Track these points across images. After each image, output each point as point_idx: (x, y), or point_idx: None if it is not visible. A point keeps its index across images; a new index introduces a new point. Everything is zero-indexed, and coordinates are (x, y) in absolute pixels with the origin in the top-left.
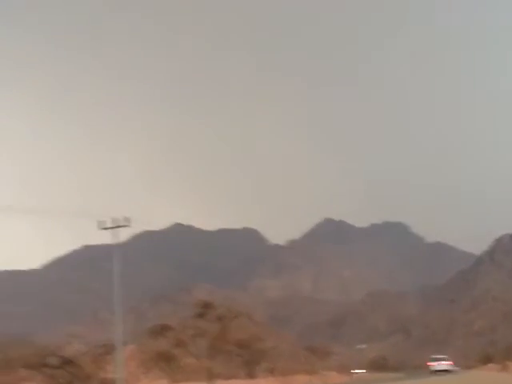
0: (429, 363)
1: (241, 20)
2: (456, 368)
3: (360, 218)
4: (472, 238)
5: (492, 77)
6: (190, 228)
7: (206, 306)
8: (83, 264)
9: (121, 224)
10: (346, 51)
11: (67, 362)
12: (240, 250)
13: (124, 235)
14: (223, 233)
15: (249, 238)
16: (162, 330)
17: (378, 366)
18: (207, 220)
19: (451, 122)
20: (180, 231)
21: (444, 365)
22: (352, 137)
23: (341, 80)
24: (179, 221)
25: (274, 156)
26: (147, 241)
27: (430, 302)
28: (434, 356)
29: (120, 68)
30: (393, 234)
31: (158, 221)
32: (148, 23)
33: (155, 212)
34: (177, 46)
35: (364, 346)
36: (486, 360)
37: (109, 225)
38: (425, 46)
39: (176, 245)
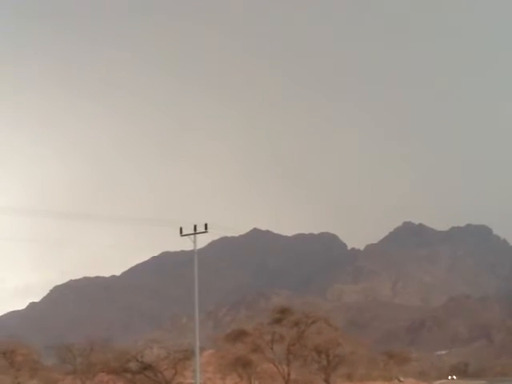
0: None
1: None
2: None
3: (440, 221)
4: None
5: None
6: (268, 233)
7: (283, 311)
8: (162, 270)
9: (199, 230)
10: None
11: (147, 367)
12: (318, 254)
13: (202, 241)
14: (301, 238)
15: (327, 242)
16: (239, 336)
17: (458, 372)
18: (285, 225)
19: None
20: (258, 236)
21: None
22: (433, 140)
23: (414, 82)
24: (257, 226)
25: (352, 160)
26: (225, 246)
27: None
28: None
29: (194, 79)
30: (475, 237)
31: (237, 226)
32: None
33: (233, 217)
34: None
35: (444, 352)
36: None
37: (188, 231)
38: None
39: (254, 250)
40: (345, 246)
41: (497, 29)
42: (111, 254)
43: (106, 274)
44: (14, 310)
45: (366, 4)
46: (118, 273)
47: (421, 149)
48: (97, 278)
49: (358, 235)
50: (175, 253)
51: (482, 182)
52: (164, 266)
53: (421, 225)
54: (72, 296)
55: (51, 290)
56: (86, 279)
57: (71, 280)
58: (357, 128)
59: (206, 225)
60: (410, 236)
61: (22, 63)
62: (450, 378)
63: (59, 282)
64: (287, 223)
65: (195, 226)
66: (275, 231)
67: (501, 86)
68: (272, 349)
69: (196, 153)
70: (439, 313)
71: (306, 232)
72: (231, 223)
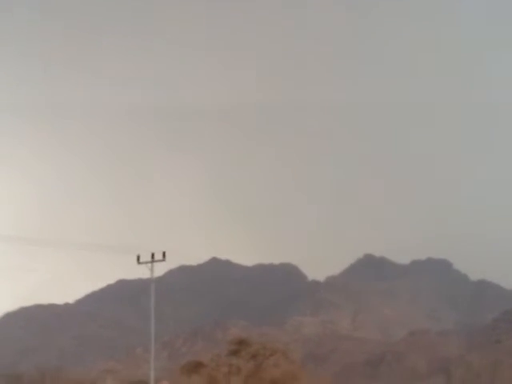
0: None
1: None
2: None
3: (401, 254)
4: None
5: None
6: (227, 263)
7: (241, 342)
8: (118, 298)
9: (157, 258)
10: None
11: None
12: (278, 285)
13: (160, 269)
14: (261, 268)
15: (287, 273)
16: (195, 367)
17: None
18: (245, 255)
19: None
20: (217, 266)
21: None
22: (396, 172)
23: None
24: (216, 255)
25: (313, 191)
26: (183, 275)
27: (474, 343)
28: None
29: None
30: (435, 271)
31: (195, 255)
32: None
33: (192, 246)
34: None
35: None
36: None
37: (145, 259)
38: None
39: (212, 280)
40: (305, 277)
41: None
42: (65, 281)
43: (60, 301)
44: None
45: None
46: (71, 300)
47: (383, 180)
48: (50, 305)
49: (318, 267)
50: (132, 281)
51: (443, 215)
52: (120, 295)
53: (382, 258)
54: (23, 324)
55: (1, 318)
56: (38, 306)
57: (22, 307)
58: (320, 158)
59: (164, 253)
60: (370, 269)
61: None
62: None
63: (10, 309)
64: (247, 253)
65: (153, 254)
66: (235, 261)
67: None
68: (228, 381)
69: (155, 180)
70: (399, 347)
71: (266, 262)
72: (190, 252)
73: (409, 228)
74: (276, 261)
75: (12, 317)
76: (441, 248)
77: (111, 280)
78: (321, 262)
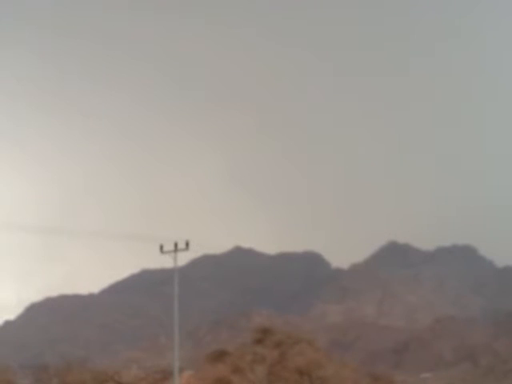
0: None
1: None
2: None
3: (426, 240)
4: None
5: None
6: (250, 251)
7: (265, 331)
8: (142, 288)
9: (180, 247)
10: None
11: None
12: (301, 274)
13: (183, 259)
14: (284, 256)
15: (311, 261)
16: (219, 356)
17: None
18: (268, 243)
19: None
20: (240, 255)
21: None
22: (420, 157)
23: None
24: (239, 244)
25: (336, 178)
26: (206, 264)
27: (500, 329)
28: None
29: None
30: (460, 258)
31: (218, 244)
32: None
33: (215, 235)
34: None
35: (429, 374)
36: None
37: (168, 248)
38: None
39: (236, 269)
40: (329, 265)
41: None
42: (89, 271)
43: (84, 291)
44: None
45: None
46: (96, 290)
47: (408, 167)
48: (74, 295)
49: (342, 254)
50: (155, 270)
51: (468, 201)
52: (143, 284)
53: (406, 244)
54: (48, 314)
55: (27, 308)
56: (63, 297)
57: (48, 297)
58: (343, 145)
59: (187, 242)
60: (395, 256)
61: None
62: None
63: (35, 300)
64: (270, 241)
65: (176, 244)
66: (258, 249)
67: None
68: (253, 370)
69: (178, 170)
70: (424, 334)
71: (290, 250)
72: (213, 241)
73: (433, 214)
74: (299, 249)
75: (38, 307)
76: (466, 234)
77: (134, 270)
78: (344, 250)
